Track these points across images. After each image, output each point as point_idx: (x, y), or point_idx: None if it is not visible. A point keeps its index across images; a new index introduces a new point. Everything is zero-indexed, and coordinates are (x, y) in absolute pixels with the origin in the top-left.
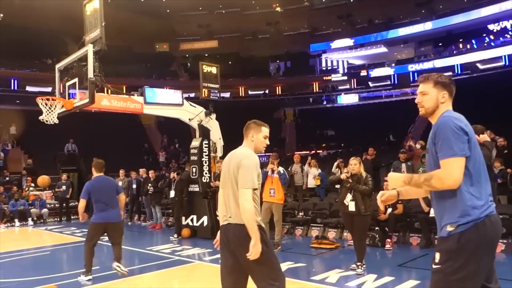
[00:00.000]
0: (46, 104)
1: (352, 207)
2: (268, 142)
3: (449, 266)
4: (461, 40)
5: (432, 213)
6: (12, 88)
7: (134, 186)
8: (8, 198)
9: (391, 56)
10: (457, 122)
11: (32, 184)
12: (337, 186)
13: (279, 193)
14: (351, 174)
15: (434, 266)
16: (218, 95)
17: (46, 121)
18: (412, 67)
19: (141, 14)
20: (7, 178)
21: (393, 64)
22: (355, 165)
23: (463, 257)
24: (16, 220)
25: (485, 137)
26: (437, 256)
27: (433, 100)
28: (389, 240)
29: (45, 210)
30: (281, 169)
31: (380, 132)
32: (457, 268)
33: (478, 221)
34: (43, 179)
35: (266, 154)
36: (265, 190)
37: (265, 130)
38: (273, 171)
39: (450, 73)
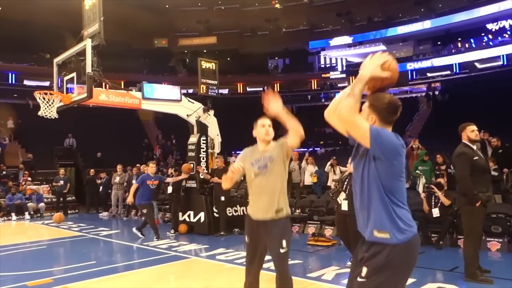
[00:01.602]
0: (44, 99)
1: (345, 206)
2: (267, 129)
3: (374, 280)
4: (459, 39)
5: (435, 214)
6: (10, 82)
7: (134, 181)
8: (5, 192)
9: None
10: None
11: (29, 178)
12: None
13: None
14: (350, 173)
15: (359, 279)
16: (217, 91)
17: (46, 115)
18: (410, 66)
19: (140, 9)
20: (4, 172)
21: None
22: (350, 164)
23: (388, 272)
24: (13, 214)
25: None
26: (364, 270)
27: (364, 118)
28: None
29: (42, 205)
30: None
31: None
32: (382, 281)
33: (408, 239)
34: (59, 217)
35: None
36: None
37: (260, 121)
38: None
39: (448, 72)
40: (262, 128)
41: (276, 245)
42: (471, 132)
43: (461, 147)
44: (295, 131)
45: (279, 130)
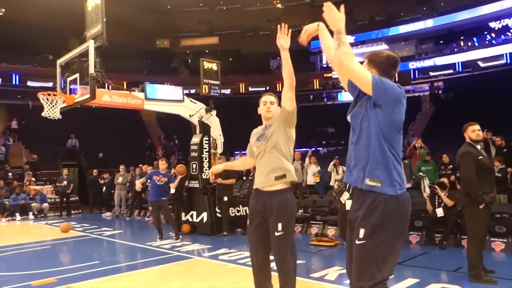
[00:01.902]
0: (48, 99)
1: (348, 205)
2: (268, 106)
3: (373, 240)
4: (462, 37)
5: (439, 213)
6: (14, 83)
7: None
8: (9, 192)
9: None
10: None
11: (33, 179)
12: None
13: None
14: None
15: (357, 242)
16: (219, 92)
17: (49, 116)
18: (413, 65)
19: (142, 10)
20: (10, 174)
21: None
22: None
23: (386, 230)
24: (17, 214)
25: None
26: (362, 232)
27: None
28: None
29: (45, 205)
30: None
31: None
32: (381, 241)
33: (400, 193)
34: (67, 227)
35: None
36: None
37: (263, 98)
38: None
39: (451, 71)
40: (264, 106)
41: (272, 226)
42: (471, 132)
43: (465, 146)
44: (287, 74)
45: None
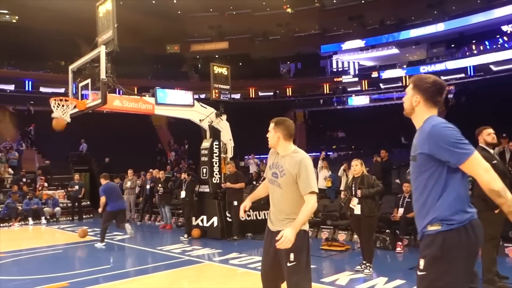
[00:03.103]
0: (59, 105)
1: (358, 210)
2: (268, 136)
3: (434, 272)
4: (474, 41)
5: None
6: (27, 89)
7: (148, 186)
8: (22, 197)
9: (403, 58)
10: (447, 125)
11: (45, 184)
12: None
13: None
14: (353, 177)
15: (419, 273)
16: (229, 96)
17: None
18: (424, 69)
19: (152, 15)
20: (24, 179)
21: (404, 66)
22: (356, 166)
23: (447, 262)
24: (29, 219)
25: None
26: (422, 262)
27: (408, 101)
28: (400, 243)
29: (58, 209)
30: None
31: (391, 134)
32: (442, 273)
33: (461, 225)
34: (84, 233)
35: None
36: None
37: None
38: None
39: (463, 75)
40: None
41: (284, 258)
42: (487, 135)
43: (479, 150)
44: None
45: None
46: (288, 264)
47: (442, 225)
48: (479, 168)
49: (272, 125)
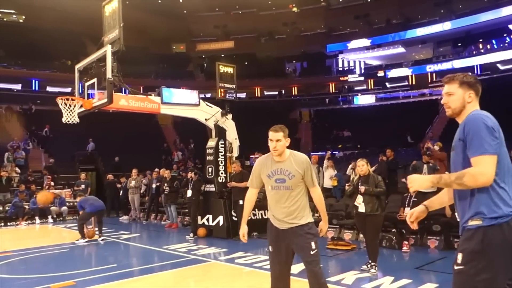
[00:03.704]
0: (66, 104)
1: (362, 208)
2: (275, 144)
3: (473, 267)
4: (480, 40)
5: (458, 218)
6: (33, 88)
7: (154, 185)
8: (29, 196)
9: (409, 57)
10: (487, 119)
11: (52, 183)
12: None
13: None
14: (360, 176)
15: (456, 267)
16: (235, 95)
17: (68, 121)
18: (430, 68)
19: (158, 15)
20: (32, 179)
21: (410, 65)
22: (362, 165)
23: (487, 258)
24: (36, 218)
25: None
26: (460, 256)
27: (459, 100)
28: (406, 242)
29: (64, 208)
30: None
31: (397, 133)
32: (481, 268)
33: (503, 220)
34: (46, 197)
35: None
36: None
37: (270, 134)
38: None
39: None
40: (271, 143)
41: (304, 249)
42: None
43: None
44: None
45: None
46: (311, 252)
47: (483, 220)
48: (479, 168)
49: (281, 133)
